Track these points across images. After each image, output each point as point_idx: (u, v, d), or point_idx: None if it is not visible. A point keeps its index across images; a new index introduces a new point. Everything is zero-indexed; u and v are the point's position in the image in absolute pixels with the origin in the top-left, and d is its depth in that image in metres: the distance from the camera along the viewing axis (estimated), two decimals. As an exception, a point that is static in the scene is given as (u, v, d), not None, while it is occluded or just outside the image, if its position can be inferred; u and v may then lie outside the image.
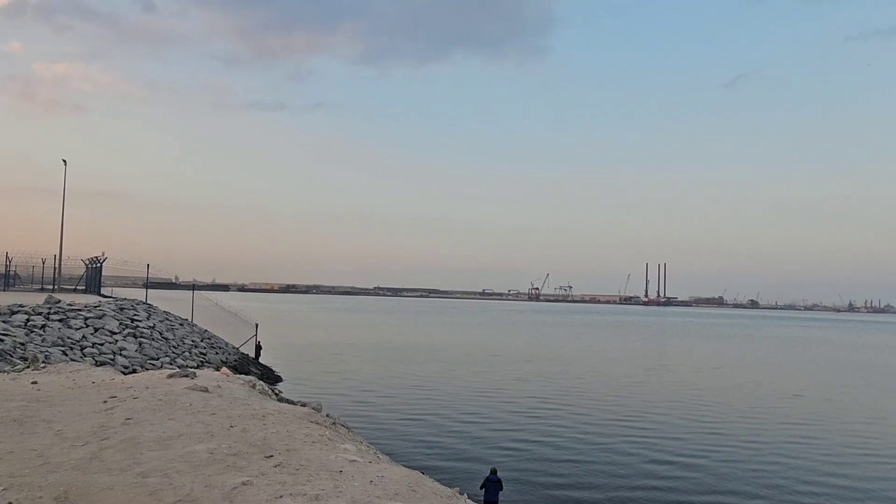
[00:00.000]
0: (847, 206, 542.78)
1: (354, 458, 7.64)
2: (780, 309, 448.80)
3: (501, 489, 13.85)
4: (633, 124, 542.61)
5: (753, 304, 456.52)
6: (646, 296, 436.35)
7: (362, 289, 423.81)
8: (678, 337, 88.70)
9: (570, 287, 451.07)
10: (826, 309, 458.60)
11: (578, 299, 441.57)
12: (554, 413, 26.26)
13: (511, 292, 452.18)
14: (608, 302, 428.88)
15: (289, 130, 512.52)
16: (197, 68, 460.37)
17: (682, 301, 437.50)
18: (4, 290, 41.82)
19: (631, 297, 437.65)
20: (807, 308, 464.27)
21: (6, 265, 45.91)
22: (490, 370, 40.37)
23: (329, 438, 8.59)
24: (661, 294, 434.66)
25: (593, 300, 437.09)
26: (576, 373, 40.52)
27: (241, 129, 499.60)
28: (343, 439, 9.24)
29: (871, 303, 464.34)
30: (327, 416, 13.00)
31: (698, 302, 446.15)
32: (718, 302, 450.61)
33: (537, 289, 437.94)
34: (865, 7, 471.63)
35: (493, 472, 14.06)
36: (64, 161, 52.94)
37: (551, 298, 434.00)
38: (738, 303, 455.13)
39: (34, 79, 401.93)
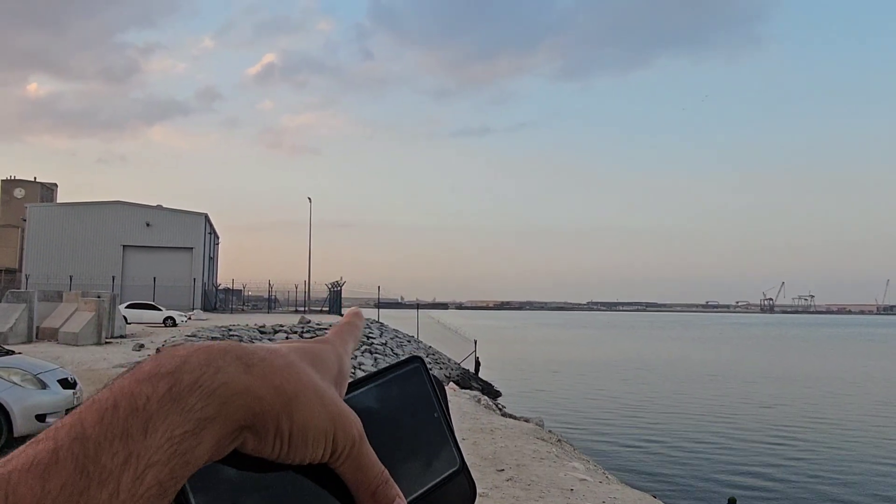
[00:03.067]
0: None
1: (584, 476, 7.62)
2: None
3: (743, 521, 12.71)
4: (877, 106, 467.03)
5: None
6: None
7: (575, 304, 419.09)
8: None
9: (812, 296, 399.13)
10: None
11: (823, 310, 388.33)
12: (800, 441, 23.35)
13: (739, 304, 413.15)
14: (861, 312, 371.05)
15: (494, 152, 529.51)
16: (410, 104, 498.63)
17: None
18: (268, 313, 48.99)
19: (892, 307, 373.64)
20: None
21: (269, 291, 53.89)
22: (717, 391, 37.25)
23: (556, 455, 8.67)
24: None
25: (842, 311, 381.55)
26: (826, 396, 35.67)
27: (451, 155, 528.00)
28: (570, 457, 9.25)
29: None
30: (550, 432, 13.10)
31: None
32: None
33: (771, 299, 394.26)
34: None
35: (732, 501, 12.96)
36: (309, 199, 60.97)
37: (788, 310, 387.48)
38: None
39: (282, 130, 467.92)
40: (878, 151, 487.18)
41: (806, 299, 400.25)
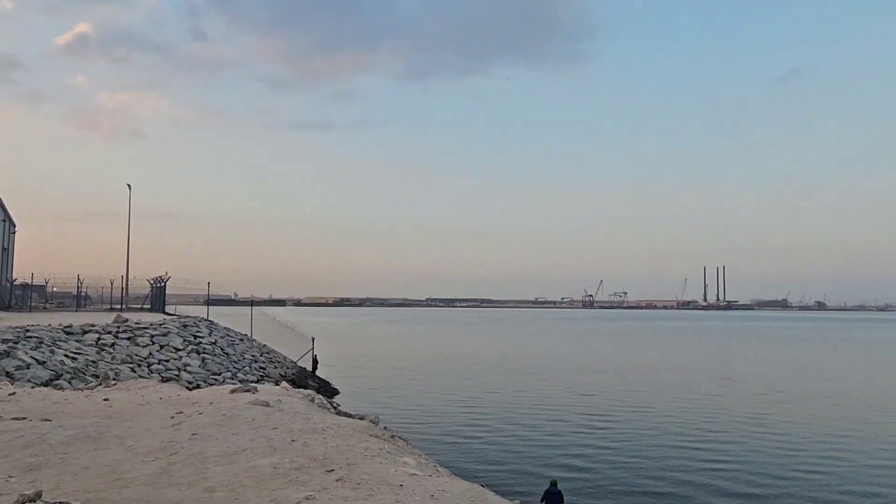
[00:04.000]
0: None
1: (414, 471, 7.63)
2: (851, 310, 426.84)
3: (562, 501, 13.58)
4: (684, 124, 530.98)
5: (820, 306, 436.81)
6: (704, 300, 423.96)
7: (415, 300, 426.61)
8: (744, 342, 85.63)
9: (626, 293, 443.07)
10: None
11: (634, 305, 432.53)
12: (614, 425, 25.66)
13: (564, 300, 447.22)
14: (665, 307, 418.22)
15: (336, 148, 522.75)
16: (245, 92, 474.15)
17: (743, 304, 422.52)
18: (77, 311, 43.94)
19: (689, 302, 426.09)
20: (879, 309, 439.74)
21: (78, 287, 48.30)
22: (545, 381, 39.90)
23: (388, 452, 8.61)
24: (721, 298, 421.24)
25: (650, 306, 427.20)
26: (636, 383, 39.60)
27: (290, 148, 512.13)
28: (402, 452, 9.25)
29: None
30: (385, 429, 13.06)
31: (761, 305, 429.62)
32: (782, 304, 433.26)
33: (591, 296, 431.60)
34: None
35: (554, 484, 13.80)
36: (129, 186, 55.50)
37: (606, 305, 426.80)
38: (804, 304, 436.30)
39: (98, 109, 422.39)
40: (681, 163, 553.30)
41: (620, 296, 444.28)
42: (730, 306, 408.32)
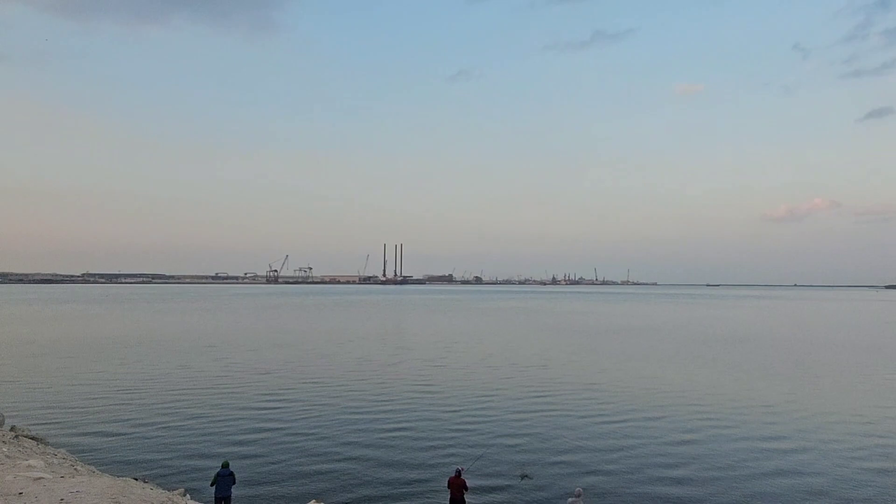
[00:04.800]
0: (541, 192, 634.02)
1: (42, 474, 6.35)
2: (500, 284, 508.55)
3: (234, 483, 13.01)
4: (367, 107, 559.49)
5: (478, 280, 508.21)
6: (384, 275, 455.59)
7: (67, 276, 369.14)
8: (416, 313, 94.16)
9: (311, 268, 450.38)
10: (535, 283, 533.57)
11: (319, 280, 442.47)
12: (290, 403, 25.69)
13: (248, 275, 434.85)
14: (348, 282, 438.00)
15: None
16: None
17: (416, 279, 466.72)
18: None
19: (370, 277, 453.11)
20: (520, 282, 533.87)
21: None
22: (220, 360, 38.12)
23: (7, 456, 7.02)
24: (398, 273, 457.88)
25: (334, 281, 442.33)
26: (315, 357, 40.38)
27: None
28: (28, 454, 7.65)
29: (569, 276, 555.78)
30: (12, 429, 10.77)
31: (431, 279, 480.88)
32: (449, 279, 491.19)
33: (276, 271, 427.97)
34: (559, 22, 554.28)
35: (225, 465, 13.11)
36: None
37: (291, 280, 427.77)
38: (466, 279, 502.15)
39: None
40: (363, 143, 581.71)
41: (305, 271, 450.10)
42: (405, 281, 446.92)
